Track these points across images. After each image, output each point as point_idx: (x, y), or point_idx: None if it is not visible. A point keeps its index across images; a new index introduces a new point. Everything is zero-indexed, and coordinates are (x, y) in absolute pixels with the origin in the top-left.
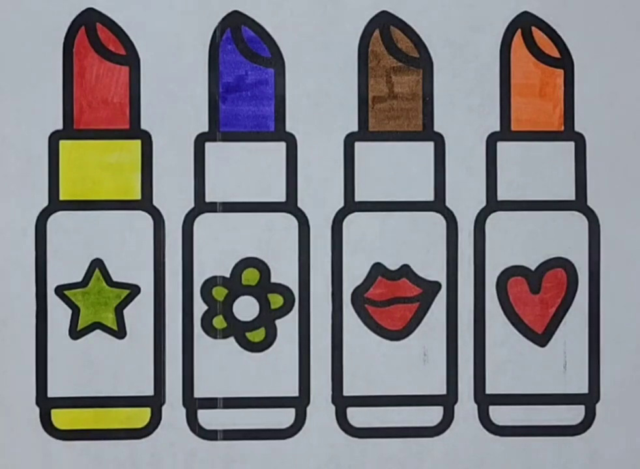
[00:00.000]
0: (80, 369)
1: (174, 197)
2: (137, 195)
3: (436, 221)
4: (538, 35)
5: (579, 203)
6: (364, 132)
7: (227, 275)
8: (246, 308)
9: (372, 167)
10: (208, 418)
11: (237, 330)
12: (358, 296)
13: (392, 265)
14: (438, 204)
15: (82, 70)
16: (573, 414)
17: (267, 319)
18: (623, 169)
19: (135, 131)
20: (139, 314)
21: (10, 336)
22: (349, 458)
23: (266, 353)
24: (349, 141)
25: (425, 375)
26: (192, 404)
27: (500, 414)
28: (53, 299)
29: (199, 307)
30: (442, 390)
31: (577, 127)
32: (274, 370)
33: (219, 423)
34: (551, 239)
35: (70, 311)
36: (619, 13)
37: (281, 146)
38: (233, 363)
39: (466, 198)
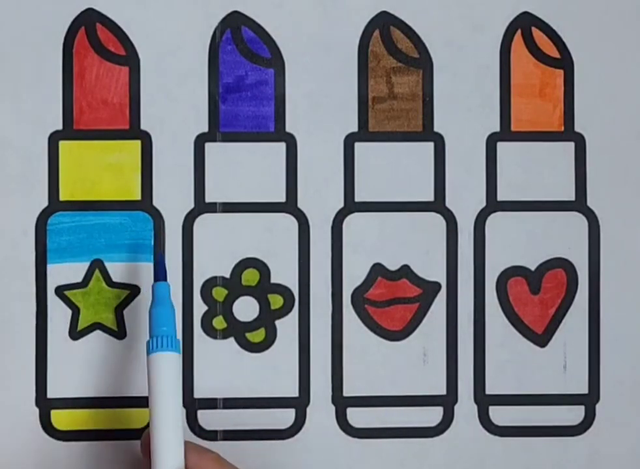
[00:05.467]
0: (80, 369)
1: (174, 197)
2: (137, 195)
3: (436, 221)
4: (538, 35)
5: (579, 203)
6: (364, 132)
7: (227, 275)
8: (245, 308)
9: (372, 167)
10: (208, 418)
11: (237, 331)
12: (358, 297)
13: (392, 265)
14: (438, 205)
15: (82, 70)
16: (573, 414)
17: (267, 319)
18: (623, 169)
19: (135, 131)
20: (139, 314)
21: (10, 336)
22: (349, 459)
23: (266, 353)
24: (349, 141)
25: (425, 375)
26: (192, 404)
27: (500, 414)
28: (53, 300)
29: (199, 308)
30: (442, 390)
31: (577, 128)
32: (274, 371)
33: (219, 424)
34: (551, 239)
35: (70, 311)
36: (619, 13)
37: (281, 146)
38: (233, 363)
39: (466, 198)
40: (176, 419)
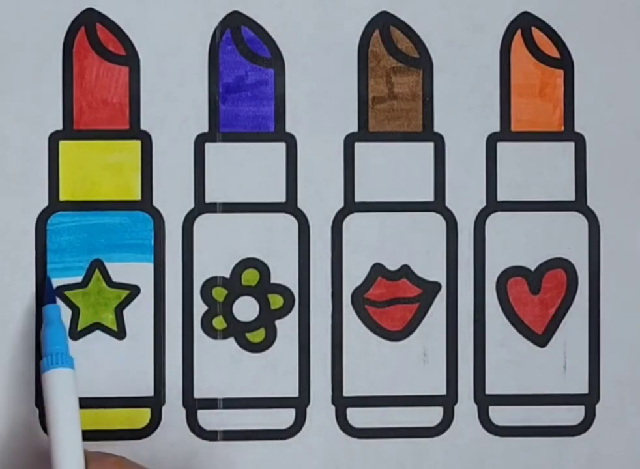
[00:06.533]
0: (80, 369)
1: (174, 197)
2: (137, 195)
3: (436, 221)
4: (538, 35)
5: (579, 204)
6: (364, 132)
7: (227, 275)
8: (245, 308)
9: (372, 167)
10: (208, 418)
11: (237, 331)
12: (358, 297)
13: (392, 265)
14: (438, 205)
15: (82, 70)
16: (573, 414)
17: (267, 319)
18: (623, 169)
19: (135, 131)
20: (139, 314)
21: (10, 336)
22: (349, 459)
23: (266, 353)
24: (349, 141)
25: (425, 375)
26: (192, 404)
27: (500, 414)
28: None
29: (199, 308)
30: (442, 390)
31: (577, 128)
32: (274, 371)
33: (219, 424)
34: (551, 239)
35: (70, 312)
36: (619, 13)
37: (281, 146)
38: (233, 363)
39: (466, 198)
40: (75, 431)
